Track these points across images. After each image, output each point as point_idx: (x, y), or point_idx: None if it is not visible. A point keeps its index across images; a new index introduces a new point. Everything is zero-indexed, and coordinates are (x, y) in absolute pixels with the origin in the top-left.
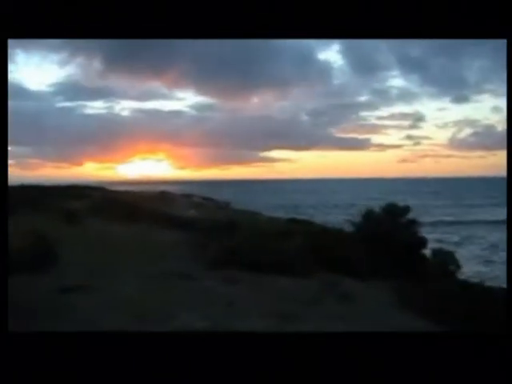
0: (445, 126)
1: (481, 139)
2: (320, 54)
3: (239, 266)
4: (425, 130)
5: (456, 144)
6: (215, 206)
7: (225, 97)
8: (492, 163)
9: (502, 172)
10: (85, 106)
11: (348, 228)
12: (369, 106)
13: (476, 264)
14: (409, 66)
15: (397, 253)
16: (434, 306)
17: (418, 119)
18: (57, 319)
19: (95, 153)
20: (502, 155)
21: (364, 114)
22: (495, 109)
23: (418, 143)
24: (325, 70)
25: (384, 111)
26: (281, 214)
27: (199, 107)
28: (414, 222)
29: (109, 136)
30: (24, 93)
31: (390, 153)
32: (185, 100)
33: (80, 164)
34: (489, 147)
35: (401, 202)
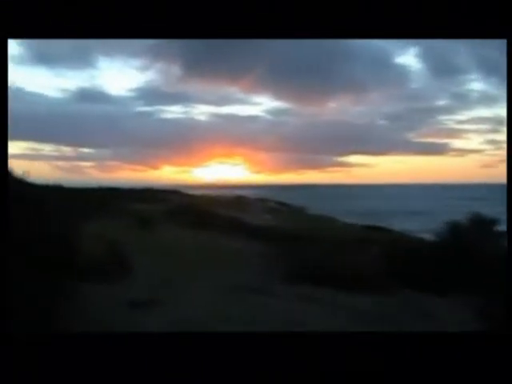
0: None
1: None
2: (397, 57)
3: (314, 280)
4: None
5: None
6: (290, 211)
7: (301, 102)
8: None
9: None
10: (163, 111)
11: (429, 238)
12: (448, 109)
13: None
14: (489, 68)
15: (484, 267)
16: None
17: (499, 123)
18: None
19: (172, 156)
20: None
21: (443, 118)
22: None
23: (499, 148)
24: (402, 73)
25: (463, 115)
26: (357, 220)
27: (275, 112)
28: (503, 235)
29: (186, 140)
30: (105, 97)
31: (470, 158)
32: (261, 105)
33: (157, 167)
34: None
35: (483, 208)
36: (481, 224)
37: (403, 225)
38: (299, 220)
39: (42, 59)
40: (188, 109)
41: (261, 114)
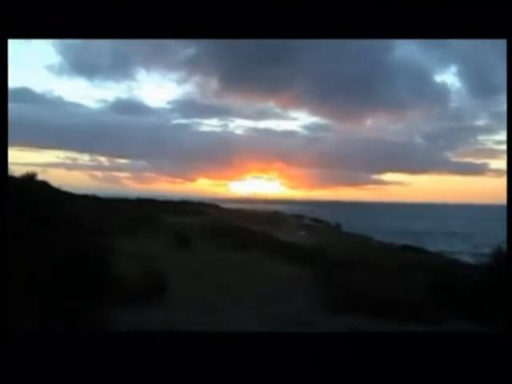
0: None
1: None
2: (437, 76)
3: (362, 310)
4: None
5: None
6: (325, 228)
7: (339, 118)
8: None
9: None
10: (200, 124)
11: (470, 261)
12: (487, 129)
13: None
14: None
15: None
16: None
17: None
18: None
19: (208, 169)
20: None
21: (482, 137)
22: None
23: None
24: (441, 92)
25: (503, 135)
26: (393, 240)
27: (313, 127)
28: None
29: (222, 153)
30: (143, 109)
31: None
32: (298, 120)
33: (194, 179)
34: None
35: None
36: None
37: (440, 246)
38: (335, 238)
39: (82, 70)
40: (225, 122)
41: (298, 129)
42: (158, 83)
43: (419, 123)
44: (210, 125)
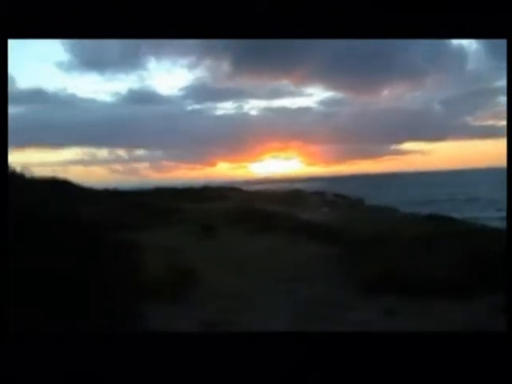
0: None
1: None
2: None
3: (396, 290)
4: None
5: None
6: (349, 203)
7: (354, 91)
8: None
9: None
10: (214, 108)
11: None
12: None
13: None
14: None
15: None
16: None
17: None
18: None
19: (227, 152)
20: None
21: (502, 99)
22: None
23: None
24: (458, 55)
25: None
26: (418, 209)
27: (328, 103)
28: None
29: (239, 135)
30: (156, 97)
31: None
32: (313, 96)
33: (213, 164)
34: None
35: None
36: None
37: (465, 213)
38: (359, 213)
39: (91, 64)
40: (239, 104)
41: (313, 105)
42: (168, 70)
43: (436, 89)
44: (224, 108)
